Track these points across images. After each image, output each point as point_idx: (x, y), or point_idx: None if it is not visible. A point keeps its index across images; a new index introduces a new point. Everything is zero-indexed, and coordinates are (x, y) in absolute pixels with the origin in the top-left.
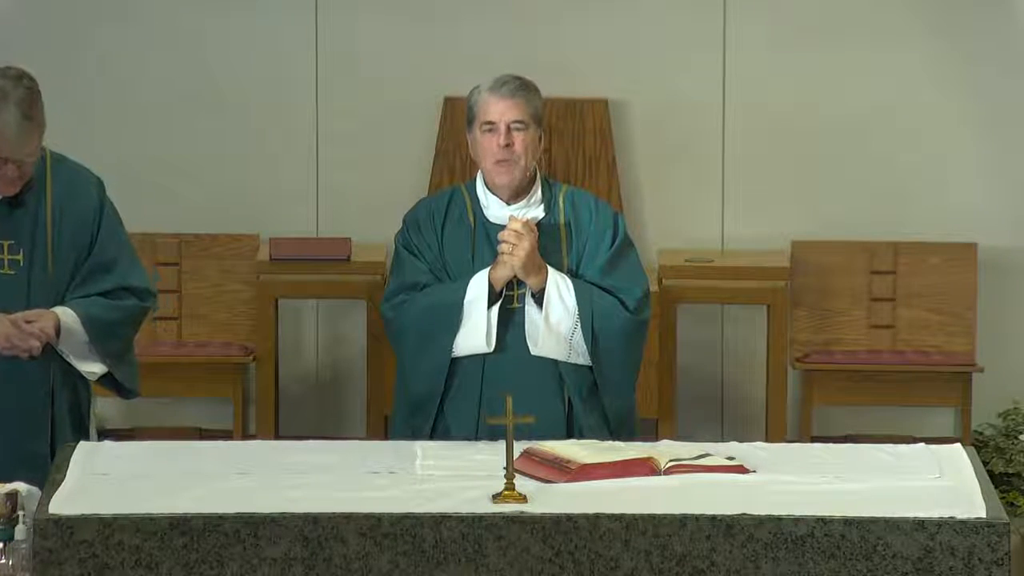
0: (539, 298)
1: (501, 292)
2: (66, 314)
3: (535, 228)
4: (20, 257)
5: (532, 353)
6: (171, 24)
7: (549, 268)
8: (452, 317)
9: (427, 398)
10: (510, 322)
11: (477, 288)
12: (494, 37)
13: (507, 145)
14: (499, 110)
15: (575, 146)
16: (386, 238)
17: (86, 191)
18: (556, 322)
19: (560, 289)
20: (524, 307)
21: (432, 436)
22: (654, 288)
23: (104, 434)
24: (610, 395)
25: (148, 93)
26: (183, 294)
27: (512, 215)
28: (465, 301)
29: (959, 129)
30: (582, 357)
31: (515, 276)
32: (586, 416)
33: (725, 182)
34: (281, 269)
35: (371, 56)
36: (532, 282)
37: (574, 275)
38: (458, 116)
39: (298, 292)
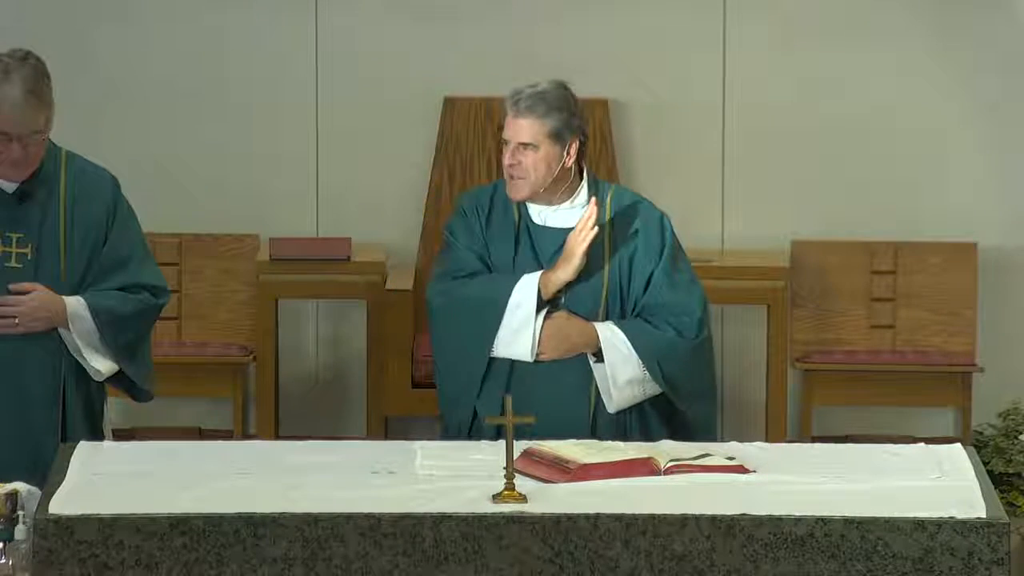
0: (597, 355)
1: (550, 300)
2: (75, 301)
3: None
4: (28, 251)
5: (610, 411)
6: (171, 24)
7: (596, 326)
8: (493, 316)
9: (461, 394)
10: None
11: (525, 292)
12: (494, 37)
13: (511, 165)
14: (510, 128)
15: None
16: (386, 238)
17: (100, 189)
18: (626, 380)
19: (619, 348)
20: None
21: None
22: None
23: None
24: (688, 407)
25: (148, 93)
26: (183, 294)
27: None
28: (510, 303)
29: (959, 129)
30: (655, 389)
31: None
32: (652, 422)
33: (725, 182)
34: (281, 269)
35: (371, 56)
36: (582, 349)
37: (624, 284)
38: (458, 116)
39: (298, 292)
